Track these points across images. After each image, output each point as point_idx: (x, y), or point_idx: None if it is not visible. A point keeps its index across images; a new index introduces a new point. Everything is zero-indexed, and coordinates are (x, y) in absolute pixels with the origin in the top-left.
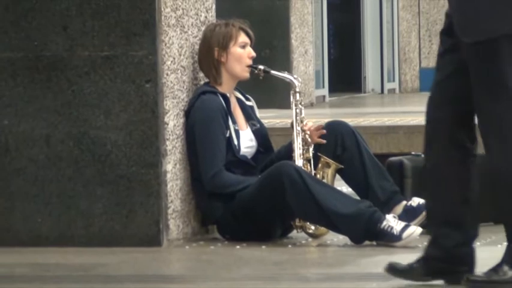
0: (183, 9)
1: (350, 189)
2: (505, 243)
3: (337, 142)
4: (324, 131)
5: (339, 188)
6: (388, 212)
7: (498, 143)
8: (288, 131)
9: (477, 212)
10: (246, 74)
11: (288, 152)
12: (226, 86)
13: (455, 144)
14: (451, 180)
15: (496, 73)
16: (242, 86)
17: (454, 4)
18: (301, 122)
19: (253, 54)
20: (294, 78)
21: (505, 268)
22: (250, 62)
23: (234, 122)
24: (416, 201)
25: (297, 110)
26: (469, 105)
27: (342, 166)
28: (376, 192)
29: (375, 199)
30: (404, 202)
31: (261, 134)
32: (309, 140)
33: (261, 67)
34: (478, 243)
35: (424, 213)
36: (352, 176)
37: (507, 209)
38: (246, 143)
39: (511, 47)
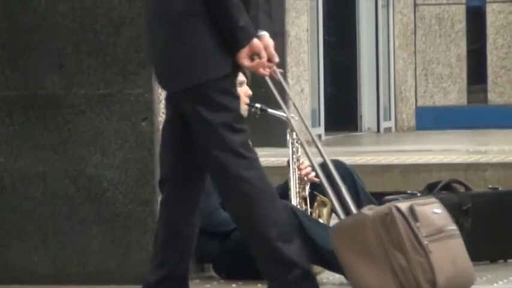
0: None
1: None
2: (501, 282)
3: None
4: (312, 175)
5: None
6: None
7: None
8: (285, 169)
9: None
10: (243, 112)
11: (284, 190)
12: None
13: None
14: None
15: (206, 118)
16: None
17: (157, 54)
18: (298, 160)
19: (250, 92)
20: (291, 116)
21: None
22: (247, 100)
23: None
24: None
25: (294, 149)
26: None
27: None
28: None
29: None
30: None
31: None
32: (305, 178)
33: (258, 105)
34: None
35: None
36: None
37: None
38: None
39: (215, 92)
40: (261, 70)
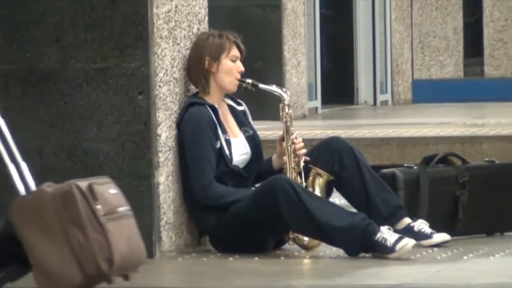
0: (175, 21)
1: (343, 201)
2: (497, 255)
3: (335, 159)
4: (304, 151)
5: (332, 200)
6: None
7: None
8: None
9: None
10: (233, 87)
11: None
12: (214, 96)
13: None
14: None
15: None
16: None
17: None
18: (291, 134)
19: (242, 69)
20: (283, 91)
21: None
22: (238, 76)
23: (224, 132)
24: (420, 226)
25: (287, 124)
26: None
27: (333, 178)
28: (378, 207)
29: (378, 214)
30: (407, 220)
31: (254, 142)
32: (299, 153)
33: (249, 81)
34: (470, 255)
35: (425, 241)
36: (353, 194)
37: None
38: (240, 150)
39: None
40: None
